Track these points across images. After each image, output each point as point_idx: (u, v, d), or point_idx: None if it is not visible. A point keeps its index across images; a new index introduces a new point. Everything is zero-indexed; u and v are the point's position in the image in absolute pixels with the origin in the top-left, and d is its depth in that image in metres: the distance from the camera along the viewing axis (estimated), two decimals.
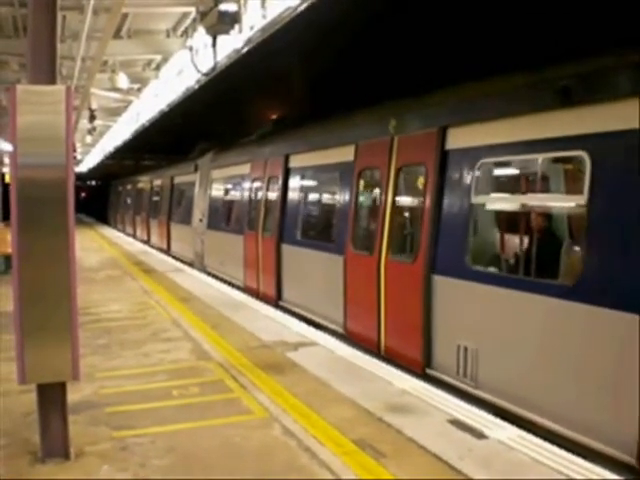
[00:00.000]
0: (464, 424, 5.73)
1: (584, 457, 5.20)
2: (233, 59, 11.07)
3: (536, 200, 7.23)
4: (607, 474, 4.89)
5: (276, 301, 12.63)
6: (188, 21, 12.01)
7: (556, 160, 7.04)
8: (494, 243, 8.17)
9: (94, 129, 21.87)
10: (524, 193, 7.47)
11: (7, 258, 15.18)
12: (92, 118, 18.67)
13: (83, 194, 66.15)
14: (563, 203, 7.39)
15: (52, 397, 5.10)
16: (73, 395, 5.87)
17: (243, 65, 12.06)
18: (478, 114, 7.51)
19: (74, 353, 4.98)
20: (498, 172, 7.95)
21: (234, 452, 5.26)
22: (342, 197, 10.50)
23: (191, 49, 11.27)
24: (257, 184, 14.56)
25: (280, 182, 13.01)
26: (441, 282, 7.84)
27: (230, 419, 5.96)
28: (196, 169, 20.51)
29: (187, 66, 12.43)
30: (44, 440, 5.11)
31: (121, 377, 7.28)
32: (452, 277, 7.69)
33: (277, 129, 15.84)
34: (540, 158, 6.72)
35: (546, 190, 7.18)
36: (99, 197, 57.04)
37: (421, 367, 7.99)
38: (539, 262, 6.65)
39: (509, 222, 7.99)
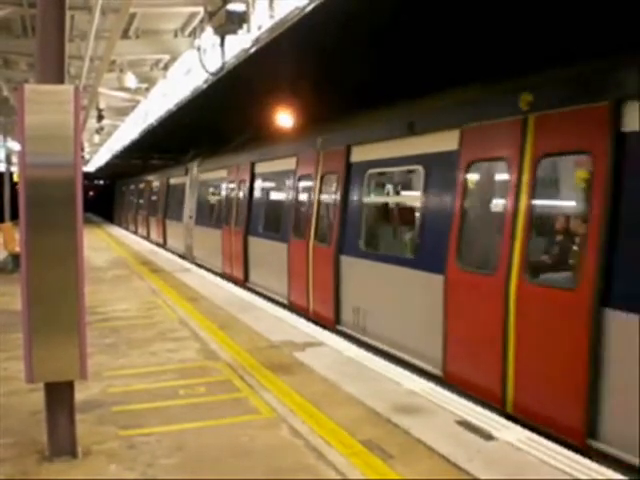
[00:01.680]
0: (472, 425, 5.71)
1: (590, 458, 5.18)
2: (241, 59, 11.07)
3: (398, 199, 10.90)
4: (613, 475, 4.86)
5: (244, 282, 15.28)
6: (196, 21, 12.04)
7: (409, 171, 9.86)
8: (376, 230, 10.81)
9: (102, 129, 21.93)
10: (390, 194, 11.06)
11: (15, 257, 15.24)
12: (100, 118, 18.72)
13: (91, 193, 66.38)
14: (411, 200, 10.11)
15: (60, 396, 5.11)
16: (80, 394, 5.87)
17: (251, 65, 12.07)
18: (366, 137, 10.27)
19: (82, 352, 4.98)
20: (378, 179, 10.73)
21: (241, 452, 5.25)
22: (289, 197, 13.19)
23: (199, 49, 11.28)
24: (232, 186, 17.27)
25: (247, 185, 15.81)
26: (345, 260, 10.51)
27: (237, 419, 5.96)
28: (187, 172, 22.96)
29: (195, 66, 12.44)
30: (51, 439, 5.11)
31: (128, 376, 7.29)
32: (351, 256, 10.34)
33: (247, 140, 18.89)
34: (400, 169, 9.90)
35: (405, 190, 10.62)
36: (107, 196, 57.45)
37: (333, 324, 10.60)
38: (399, 244, 10.15)
39: (384, 215, 11.00)
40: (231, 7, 8.85)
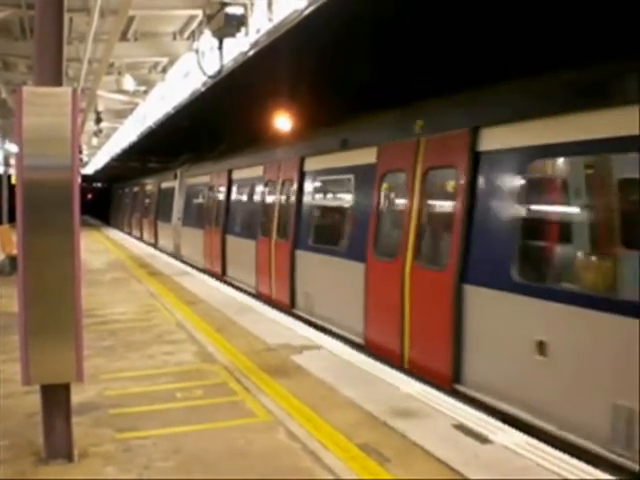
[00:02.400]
0: (469, 429, 5.71)
1: (590, 462, 5.18)
2: (239, 62, 11.08)
3: (336, 202, 12.47)
4: (609, 477, 4.87)
5: (222, 276, 17.15)
6: (195, 24, 12.04)
7: (345, 179, 11.19)
8: (321, 228, 12.44)
9: (100, 131, 21.91)
10: (330, 198, 12.80)
11: (13, 259, 15.21)
12: (98, 120, 18.72)
13: (89, 196, 66.30)
14: (344, 203, 11.53)
15: (56, 398, 5.10)
16: (77, 396, 5.87)
17: (249, 68, 12.10)
18: (315, 150, 12.47)
19: (78, 354, 4.98)
20: (323, 185, 12.53)
21: (238, 455, 5.24)
22: (258, 200, 15.34)
23: (197, 52, 11.29)
24: (213, 190, 19.28)
25: (225, 189, 17.83)
26: (298, 254, 12.46)
27: (234, 422, 5.95)
28: (175, 177, 24.75)
29: (193, 69, 12.45)
30: (48, 441, 5.10)
31: (125, 379, 7.28)
32: (302, 250, 12.31)
33: (226, 149, 20.98)
34: (338, 177, 11.56)
35: (342, 195, 11.92)
36: (105, 199, 57.68)
37: (290, 308, 12.50)
38: (336, 239, 11.44)
39: (326, 215, 12.79)
40: (230, 10, 8.87)
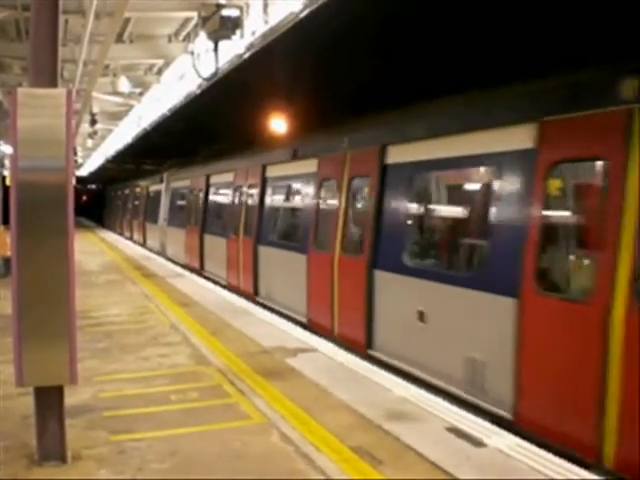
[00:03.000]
0: (463, 432, 5.72)
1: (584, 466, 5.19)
2: (235, 64, 11.08)
3: (288, 204, 14.02)
4: None
5: (200, 271, 18.77)
6: (190, 26, 12.02)
7: (297, 185, 13.18)
8: (278, 226, 14.23)
9: (95, 133, 21.85)
10: (287, 200, 14.10)
11: (7, 261, 15.18)
12: (93, 122, 18.68)
13: (84, 197, 66.14)
14: (295, 205, 13.56)
15: (49, 400, 5.09)
16: (71, 398, 5.87)
17: (244, 70, 12.11)
18: (273, 159, 14.29)
19: (72, 356, 4.97)
20: (280, 189, 14.27)
21: (232, 457, 5.25)
22: (229, 202, 16.96)
23: (193, 54, 11.28)
24: (193, 194, 20.92)
25: (203, 193, 19.53)
26: (260, 248, 14.19)
27: (228, 424, 5.95)
28: (162, 180, 26.38)
29: (189, 71, 12.45)
30: (41, 443, 5.10)
31: (120, 381, 7.28)
32: (264, 246, 14.03)
33: (205, 156, 22.40)
34: (290, 183, 13.61)
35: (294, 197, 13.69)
36: (100, 201, 57.73)
37: (254, 296, 14.11)
38: (288, 235, 13.43)
39: (281, 215, 14.35)
40: (225, 12, 8.86)
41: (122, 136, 25.01)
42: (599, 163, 6.16)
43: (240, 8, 9.36)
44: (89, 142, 26.81)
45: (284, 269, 12.96)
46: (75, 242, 5.05)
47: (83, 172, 48.68)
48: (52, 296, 4.92)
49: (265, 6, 9.36)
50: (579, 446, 5.82)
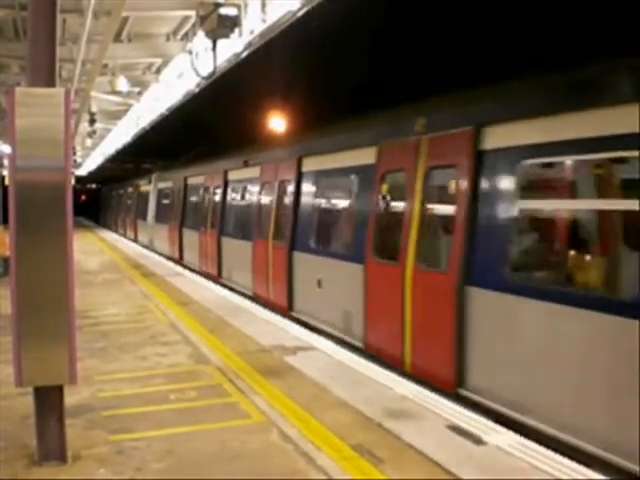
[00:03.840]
0: (463, 430, 5.72)
1: (584, 463, 5.19)
2: (233, 63, 11.07)
3: (242, 202, 16.31)
4: (602, 478, 4.88)
5: (180, 261, 21.63)
6: (188, 25, 12.00)
7: (243, 186, 16.30)
8: (236, 220, 16.78)
9: (94, 132, 21.85)
10: (240, 199, 16.56)
11: (6, 261, 15.17)
12: (92, 121, 18.66)
13: (83, 197, 66.11)
14: (244, 202, 16.08)
15: (49, 400, 5.09)
16: (70, 398, 5.86)
17: (243, 69, 12.11)
18: (232, 166, 17.10)
19: (71, 356, 4.97)
20: (237, 190, 16.89)
21: (231, 456, 5.24)
22: (200, 201, 20.12)
23: (191, 53, 11.27)
24: (174, 194, 24.05)
25: (182, 193, 22.52)
26: (223, 239, 17.11)
27: (227, 423, 5.95)
28: (150, 182, 29.47)
29: (187, 70, 12.44)
30: (41, 443, 5.09)
31: (119, 380, 7.27)
32: (226, 237, 16.93)
33: (184, 161, 26.32)
34: (242, 185, 16.31)
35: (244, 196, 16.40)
36: (96, 200, 58.37)
37: (218, 278, 16.94)
38: (242, 227, 15.91)
39: (237, 211, 16.79)
40: (223, 11, 8.84)
41: (121, 135, 25.02)
42: (403, 173, 8.90)
43: (238, 7, 9.34)
44: (88, 141, 26.78)
45: (238, 255, 15.64)
46: (74, 242, 5.05)
47: (82, 171, 48.62)
48: (51, 296, 4.91)
49: (263, 5, 9.35)
50: (394, 360, 8.51)
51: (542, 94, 6.89)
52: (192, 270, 19.09)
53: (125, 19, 11.57)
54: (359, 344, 9.45)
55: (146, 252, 25.18)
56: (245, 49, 10.32)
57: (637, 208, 5.50)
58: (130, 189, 36.46)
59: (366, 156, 9.74)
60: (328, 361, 8.12)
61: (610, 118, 5.88)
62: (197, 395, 6.75)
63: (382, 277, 9.02)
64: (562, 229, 7.08)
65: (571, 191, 6.93)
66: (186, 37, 12.46)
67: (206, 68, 10.71)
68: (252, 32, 9.73)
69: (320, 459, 5.15)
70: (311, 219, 11.93)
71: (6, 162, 23.30)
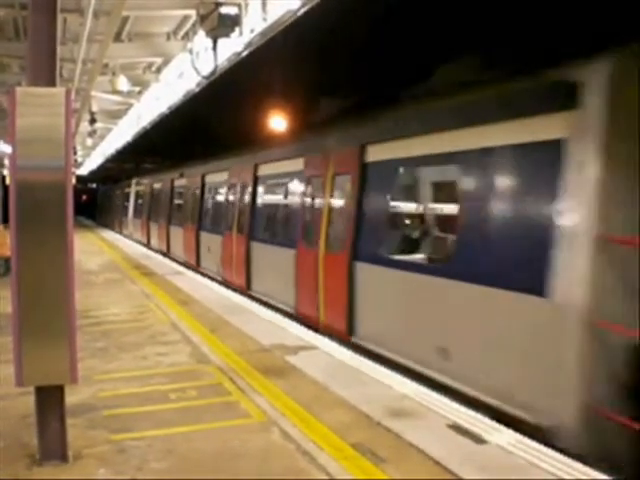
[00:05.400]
0: (464, 429, 5.72)
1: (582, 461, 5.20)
2: (233, 62, 11.07)
3: (220, 199, 18.91)
4: (603, 477, 4.88)
5: (167, 254, 24.27)
6: (189, 24, 12.01)
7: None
8: (210, 216, 19.56)
9: (95, 132, 21.87)
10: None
11: (7, 260, 15.17)
12: (93, 121, 18.68)
13: (84, 197, 66.06)
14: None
15: (50, 400, 5.09)
16: (71, 398, 5.85)
17: (243, 68, 12.09)
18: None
19: (72, 356, 4.97)
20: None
21: (232, 456, 5.24)
22: (175, 202, 24.38)
23: (191, 52, 11.27)
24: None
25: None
26: (201, 234, 19.69)
27: (228, 423, 5.95)
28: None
29: (188, 69, 12.44)
30: (42, 443, 5.09)
31: (119, 380, 7.27)
32: (203, 231, 19.47)
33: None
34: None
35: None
36: (94, 200, 59.68)
37: (196, 266, 19.54)
38: (213, 223, 18.99)
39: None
40: (224, 10, 8.84)
41: (121, 135, 25.03)
42: (322, 179, 11.29)
43: (238, 6, 9.34)
44: (89, 141, 26.81)
45: (210, 245, 18.48)
46: (74, 241, 5.05)
47: (83, 171, 48.63)
48: (52, 295, 4.91)
49: (264, 4, 9.35)
50: (312, 320, 10.99)
51: (400, 121, 9.34)
52: (180, 262, 21.36)
53: (125, 18, 11.59)
54: (292, 311, 12.02)
55: (144, 250, 25.20)
56: (245, 48, 10.31)
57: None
58: (118, 191, 42.93)
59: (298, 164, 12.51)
60: (329, 360, 8.12)
61: (429, 143, 8.45)
62: (198, 394, 6.75)
63: (306, 259, 11.52)
64: (409, 221, 10.75)
65: (411, 193, 10.62)
66: (186, 36, 12.47)
67: (207, 67, 10.72)
68: (252, 31, 9.73)
69: (321, 458, 5.15)
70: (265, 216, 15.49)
71: (7, 162, 23.33)
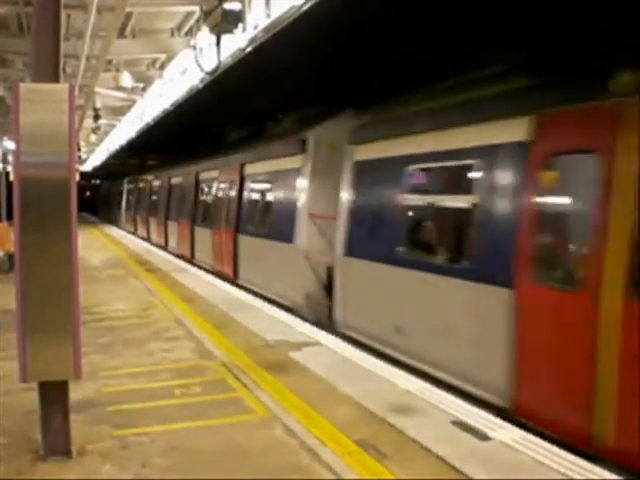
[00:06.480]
0: (467, 425, 5.71)
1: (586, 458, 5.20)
2: (237, 58, 11.05)
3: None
4: (609, 475, 4.87)
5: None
6: (192, 20, 11.99)
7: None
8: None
9: (98, 128, 21.87)
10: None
11: (11, 257, 15.19)
12: (96, 117, 18.67)
13: (88, 193, 66.14)
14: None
15: (54, 395, 5.10)
16: (75, 393, 5.86)
17: (247, 64, 12.07)
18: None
19: (76, 351, 4.97)
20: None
21: (236, 452, 5.25)
22: (152, 199, 29.82)
23: (195, 48, 11.25)
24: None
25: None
26: (168, 223, 25.03)
27: (232, 418, 5.96)
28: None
29: (191, 65, 12.43)
30: (46, 438, 5.10)
31: (123, 376, 7.29)
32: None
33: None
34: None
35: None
36: (96, 196, 60.93)
37: (165, 248, 24.79)
38: (179, 213, 23.55)
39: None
40: (227, 6, 8.81)
41: (124, 132, 25.03)
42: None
43: (242, 1, 9.32)
44: (92, 137, 26.82)
45: (181, 235, 22.69)
46: (78, 237, 5.05)
47: (87, 167, 48.66)
48: (56, 291, 4.92)
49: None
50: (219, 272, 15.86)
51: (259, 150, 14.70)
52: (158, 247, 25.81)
53: (129, 14, 11.56)
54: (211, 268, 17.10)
55: (150, 248, 25.23)
56: (249, 44, 10.29)
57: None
58: (114, 188, 47.22)
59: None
60: (333, 357, 8.13)
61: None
62: (202, 390, 6.76)
63: (216, 235, 17.78)
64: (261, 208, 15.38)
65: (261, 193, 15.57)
66: (190, 32, 12.45)
67: (210, 63, 10.70)
68: (256, 27, 9.71)
69: (324, 454, 5.16)
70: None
71: (11, 158, 23.37)
